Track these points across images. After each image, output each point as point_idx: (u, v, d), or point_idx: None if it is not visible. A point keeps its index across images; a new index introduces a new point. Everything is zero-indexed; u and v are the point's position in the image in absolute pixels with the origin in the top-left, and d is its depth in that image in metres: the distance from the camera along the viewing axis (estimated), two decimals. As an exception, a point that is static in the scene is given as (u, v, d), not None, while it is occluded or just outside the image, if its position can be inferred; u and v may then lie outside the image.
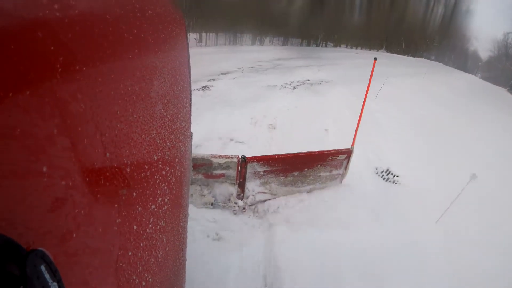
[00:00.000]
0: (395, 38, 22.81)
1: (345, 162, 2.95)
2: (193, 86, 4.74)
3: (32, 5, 0.37)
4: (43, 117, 0.36)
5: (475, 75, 20.62)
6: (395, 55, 20.70)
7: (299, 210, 2.64)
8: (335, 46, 21.08)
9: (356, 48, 21.98)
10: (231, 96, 5.19)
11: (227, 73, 7.13)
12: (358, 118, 2.71)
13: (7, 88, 0.31)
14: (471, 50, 31.48)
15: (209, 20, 11.81)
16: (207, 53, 9.80)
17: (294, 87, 6.33)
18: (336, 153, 2.80)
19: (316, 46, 19.63)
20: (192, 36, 11.05)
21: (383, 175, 3.04)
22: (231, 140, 3.67)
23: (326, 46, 20.74)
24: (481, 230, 2.45)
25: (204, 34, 12.10)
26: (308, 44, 19.13)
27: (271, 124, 4.22)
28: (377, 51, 22.22)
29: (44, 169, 0.36)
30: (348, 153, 2.87)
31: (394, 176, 2.94)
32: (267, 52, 11.84)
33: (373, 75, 2.54)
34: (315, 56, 12.22)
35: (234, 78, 6.71)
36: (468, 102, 8.42)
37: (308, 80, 7.13)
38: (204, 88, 5.63)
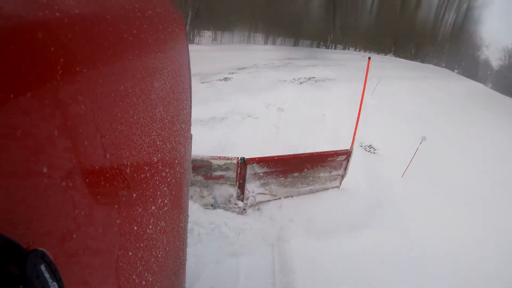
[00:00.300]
0: (405, 43, 22.65)
1: (344, 163, 2.95)
2: (216, 77, 6.04)
3: (32, 5, 0.37)
4: (43, 118, 0.37)
5: (486, 85, 19.79)
6: (403, 60, 20.54)
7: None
8: (344, 48, 21.63)
9: (365, 52, 21.94)
10: (247, 86, 6.17)
11: (244, 68, 8.21)
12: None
13: (7, 89, 0.32)
14: (482, 58, 30.40)
15: (223, 18, 12.65)
16: (223, 50, 11.00)
17: (301, 82, 7.25)
18: (336, 154, 2.81)
19: (326, 48, 20.14)
20: (207, 34, 12.40)
21: (365, 148, 3.97)
22: (249, 116, 4.56)
23: (335, 48, 21.32)
24: (430, 174, 3.60)
25: (219, 32, 13.00)
26: (318, 46, 19.81)
27: (280, 107, 5.11)
28: (385, 55, 22.15)
29: (45, 170, 0.37)
30: (347, 154, 2.87)
31: (375, 149, 3.90)
32: (278, 51, 12.82)
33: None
34: (323, 57, 13.17)
35: (249, 73, 7.77)
36: (463, 104, 8.59)
37: (314, 77, 8.03)
38: (225, 79, 6.68)
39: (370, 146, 4.00)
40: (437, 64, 22.06)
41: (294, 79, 7.65)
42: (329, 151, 2.81)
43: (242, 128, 4.01)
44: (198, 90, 5.45)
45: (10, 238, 0.30)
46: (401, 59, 20.73)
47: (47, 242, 0.37)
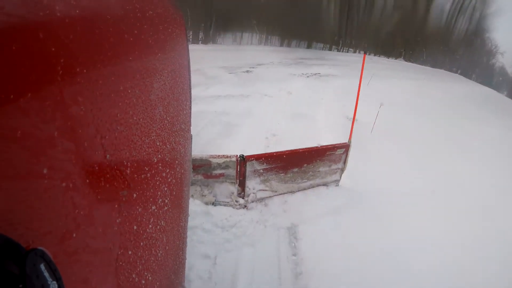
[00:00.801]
0: (416, 48, 22.36)
1: (343, 156, 2.96)
2: (240, 70, 8.13)
3: (33, 6, 0.38)
4: (43, 119, 0.37)
5: (501, 92, 18.44)
6: (414, 64, 20.31)
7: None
8: (354, 52, 22.39)
9: (375, 55, 22.15)
10: (264, 77, 8.26)
11: (261, 64, 10.21)
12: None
13: (8, 89, 0.32)
14: (498, 66, 28.76)
15: (243, 22, 14.47)
16: (242, 50, 13.19)
17: (308, 76, 9.24)
18: (334, 147, 2.83)
19: (338, 51, 21.02)
20: (228, 36, 14.84)
21: (349, 118, 5.46)
22: (265, 95, 6.52)
23: (347, 51, 22.16)
24: (388, 131, 5.05)
25: (239, 34, 14.87)
26: (330, 49, 20.90)
27: (289, 91, 7.03)
28: (396, 59, 22.09)
29: (45, 171, 0.37)
30: (346, 147, 2.88)
31: (356, 119, 5.34)
32: (292, 53, 14.98)
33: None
34: (332, 58, 14.89)
35: (266, 68, 9.89)
36: (457, 101, 9.14)
37: (319, 73, 9.87)
38: (247, 71, 8.81)
39: (362, 122, 5.54)
40: (449, 70, 21.28)
41: (302, 74, 9.53)
42: (328, 145, 2.82)
43: (261, 102, 5.98)
44: (228, 79, 7.55)
45: (10, 238, 0.31)
46: (411, 63, 20.58)
47: (47, 242, 0.38)
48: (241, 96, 6.13)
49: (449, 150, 4.90)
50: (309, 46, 18.66)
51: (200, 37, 13.03)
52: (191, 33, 12.38)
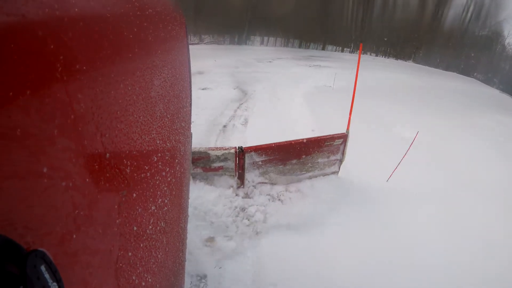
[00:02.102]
0: (427, 50, 22.20)
1: (341, 146, 2.95)
2: (265, 60, 12.65)
3: (32, 4, 0.37)
4: (43, 118, 0.36)
5: None
6: (426, 67, 20.15)
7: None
8: (364, 53, 23.75)
9: (383, 57, 22.77)
10: (280, 64, 12.11)
11: (280, 58, 14.08)
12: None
13: (7, 88, 0.31)
14: None
15: (271, 28, 18.87)
16: (270, 50, 17.36)
17: (309, 66, 12.54)
18: (332, 138, 2.82)
19: (350, 53, 22.68)
20: (257, 39, 19.43)
21: (328, 86, 8.13)
22: (278, 73, 9.73)
23: (356, 53, 23.63)
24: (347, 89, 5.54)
25: (266, 38, 19.59)
26: (342, 51, 22.91)
27: (293, 72, 10.31)
28: (406, 61, 22.12)
29: (44, 170, 0.36)
30: (344, 137, 2.88)
31: (331, 86, 7.98)
32: (306, 52, 18.80)
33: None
34: (338, 57, 17.79)
35: (283, 60, 13.64)
36: (438, 91, 10.07)
37: (319, 65, 13.00)
38: (270, 61, 12.65)
39: (330, 86, 8.09)
40: (466, 73, 20.29)
41: (306, 64, 12.93)
42: (326, 136, 2.82)
43: (275, 76, 9.23)
44: (257, 64, 11.35)
45: (10, 238, 0.30)
46: (421, 65, 20.63)
47: (47, 242, 0.37)
48: (265, 72, 9.70)
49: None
50: (323, 48, 21.70)
51: (235, 39, 17.92)
52: (228, 36, 17.37)
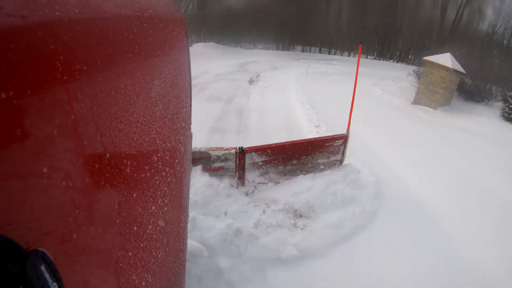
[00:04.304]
0: (422, 51, 22.37)
1: (342, 147, 2.95)
2: (295, 59, 19.72)
3: (33, 5, 0.37)
4: (43, 118, 0.36)
5: None
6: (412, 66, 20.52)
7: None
8: (348, 55, 26.35)
9: (393, 61, 24.45)
10: (286, 64, 15.83)
11: (299, 60, 18.46)
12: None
13: (7, 88, 0.31)
14: None
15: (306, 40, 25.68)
16: (277, 54, 21.21)
17: (298, 60, 18.09)
18: (333, 139, 2.82)
19: (334, 54, 26.05)
20: (298, 47, 26.21)
21: (308, 72, 12.04)
22: (291, 66, 14.86)
23: (341, 54, 26.45)
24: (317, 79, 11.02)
25: (305, 47, 26.56)
26: (349, 55, 26.22)
27: (312, 66, 13.58)
28: (407, 64, 22.36)
29: (45, 170, 0.36)
30: (344, 138, 2.88)
31: (308, 73, 11.98)
32: (315, 56, 23.38)
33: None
34: (333, 58, 22.51)
35: (302, 61, 17.38)
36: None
37: (307, 59, 17.66)
38: (298, 59, 18.27)
39: (308, 72, 11.05)
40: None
41: (323, 63, 16.73)
42: (326, 136, 2.83)
43: (288, 67, 14.20)
44: (291, 63, 16.31)
45: (11, 238, 0.30)
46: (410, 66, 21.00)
47: (47, 242, 0.37)
48: (284, 64, 15.26)
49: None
50: (329, 53, 26.63)
51: (280, 46, 24.72)
52: (274, 44, 24.31)
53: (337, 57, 24.36)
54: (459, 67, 7.96)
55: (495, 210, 3.02)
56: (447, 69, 7.80)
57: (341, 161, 3.06)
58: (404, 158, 4.09)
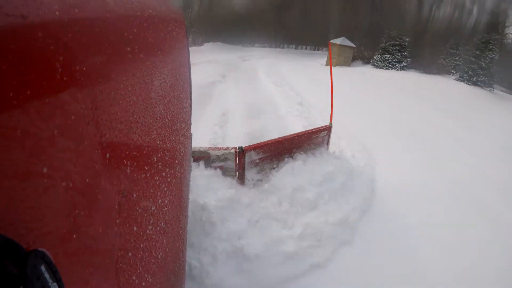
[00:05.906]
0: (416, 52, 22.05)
1: (326, 138, 3.16)
2: (301, 55, 24.80)
3: (32, 4, 0.37)
4: (43, 118, 0.36)
5: None
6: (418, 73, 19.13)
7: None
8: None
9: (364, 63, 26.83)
10: (283, 58, 18.54)
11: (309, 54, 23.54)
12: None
13: (7, 88, 0.31)
14: None
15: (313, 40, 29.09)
16: (271, 51, 24.25)
17: (289, 55, 21.29)
18: (318, 130, 3.02)
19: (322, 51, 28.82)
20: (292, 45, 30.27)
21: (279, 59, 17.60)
22: (284, 60, 16.90)
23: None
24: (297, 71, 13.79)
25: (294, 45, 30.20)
26: (318, 49, 29.52)
27: (279, 58, 17.75)
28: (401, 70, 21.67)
29: (45, 170, 0.36)
30: (328, 129, 3.12)
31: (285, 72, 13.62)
32: (294, 51, 27.70)
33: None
34: (313, 53, 26.61)
35: (287, 55, 20.63)
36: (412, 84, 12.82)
37: (294, 53, 22.68)
38: (308, 55, 22.34)
39: (279, 58, 16.37)
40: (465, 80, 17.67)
41: (288, 53, 21.43)
42: (313, 129, 3.02)
43: (287, 60, 17.02)
44: (277, 56, 19.43)
45: (10, 238, 0.30)
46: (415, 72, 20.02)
47: (47, 242, 0.37)
48: (286, 56, 19.46)
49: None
50: (316, 49, 29.66)
51: (274, 45, 28.36)
52: (271, 43, 27.83)
53: (319, 52, 28.46)
54: (350, 44, 16.08)
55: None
56: (336, 45, 15.56)
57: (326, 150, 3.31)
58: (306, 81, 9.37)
